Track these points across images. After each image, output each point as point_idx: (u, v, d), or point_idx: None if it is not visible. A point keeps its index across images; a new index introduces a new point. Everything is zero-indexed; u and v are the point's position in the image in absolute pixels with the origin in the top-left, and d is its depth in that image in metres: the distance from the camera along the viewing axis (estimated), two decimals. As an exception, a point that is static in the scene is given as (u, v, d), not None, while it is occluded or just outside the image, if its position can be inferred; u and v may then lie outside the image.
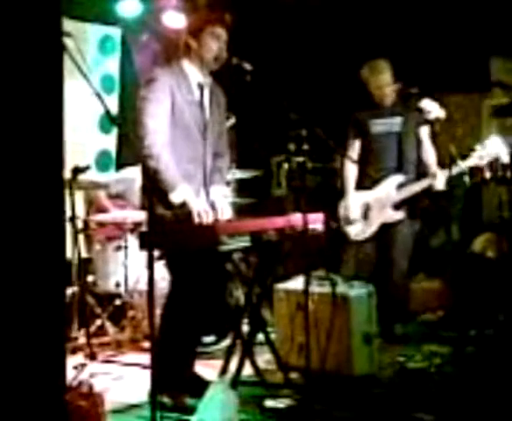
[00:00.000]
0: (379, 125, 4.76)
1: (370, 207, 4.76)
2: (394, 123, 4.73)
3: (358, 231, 4.79)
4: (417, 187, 4.66)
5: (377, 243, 4.77)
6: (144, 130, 3.36)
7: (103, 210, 5.20)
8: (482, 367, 3.88)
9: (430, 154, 4.77)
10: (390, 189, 4.70)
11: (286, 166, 6.20)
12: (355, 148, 4.87)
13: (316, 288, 3.95)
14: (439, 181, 4.59)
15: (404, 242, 4.72)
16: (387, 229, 4.72)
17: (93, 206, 5.34)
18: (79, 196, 5.22)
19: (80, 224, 4.87)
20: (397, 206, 4.69)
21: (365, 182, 4.80)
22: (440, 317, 5.20)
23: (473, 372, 3.79)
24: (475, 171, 4.86)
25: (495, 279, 4.85)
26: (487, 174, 4.89)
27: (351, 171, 4.87)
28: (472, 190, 5.21)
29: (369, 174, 4.74)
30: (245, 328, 3.75)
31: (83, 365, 4.04)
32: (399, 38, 5.93)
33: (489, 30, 5.57)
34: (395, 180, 4.70)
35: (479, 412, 3.19)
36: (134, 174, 5.02)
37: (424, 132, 4.78)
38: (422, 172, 4.76)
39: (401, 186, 4.68)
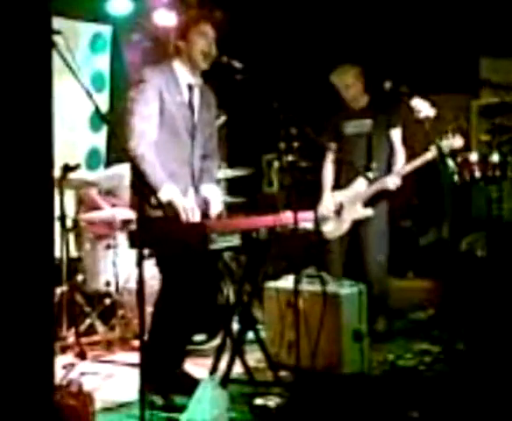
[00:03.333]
0: (350, 127, 4.92)
1: (343, 206, 4.91)
2: (365, 124, 4.87)
3: (331, 229, 4.93)
4: (379, 185, 4.74)
5: (350, 241, 4.89)
6: (130, 131, 3.36)
7: (94, 207, 5.17)
8: (472, 364, 3.89)
9: (398, 157, 4.85)
10: (360, 187, 4.82)
11: (276, 164, 6.22)
12: (332, 150, 5.02)
13: (306, 287, 3.96)
14: (390, 180, 4.70)
15: (377, 237, 4.81)
16: (358, 227, 4.84)
17: (84, 204, 5.32)
18: (70, 195, 5.20)
19: (69, 223, 4.85)
20: (367, 203, 4.80)
21: (340, 182, 4.97)
22: (431, 315, 5.21)
23: (463, 370, 3.81)
24: (465, 169, 4.88)
25: (485, 277, 4.87)
26: (477, 173, 4.90)
27: (327, 172, 5.07)
28: (462, 189, 5.23)
29: (343, 173, 4.95)
30: (236, 326, 3.75)
31: (73, 364, 4.03)
32: (390, 38, 5.95)
33: (478, 30, 5.59)
34: (365, 178, 4.80)
35: (469, 410, 3.20)
36: (124, 170, 5.00)
37: (396, 134, 4.87)
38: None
39: (369, 184, 4.77)
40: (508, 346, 3.99)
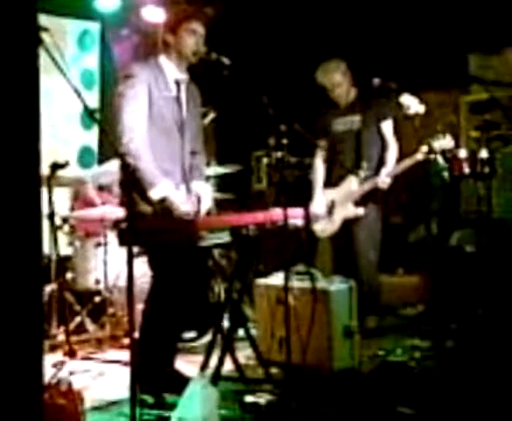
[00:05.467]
0: (339, 124, 4.88)
1: (334, 204, 4.87)
2: (354, 121, 4.82)
3: (323, 227, 4.91)
4: (370, 184, 4.71)
5: (341, 239, 4.87)
6: (121, 127, 3.34)
7: (89, 204, 5.14)
8: (462, 360, 3.91)
9: (390, 151, 4.79)
10: (351, 185, 4.79)
11: (266, 160, 6.21)
12: (322, 148, 4.98)
13: (296, 283, 3.96)
14: (381, 181, 4.65)
15: (368, 235, 4.77)
16: (350, 225, 4.80)
17: (79, 200, 5.31)
18: (64, 192, 5.19)
19: (59, 221, 4.83)
20: (358, 202, 4.76)
21: (331, 180, 4.93)
22: (420, 311, 5.23)
23: (453, 365, 3.82)
24: (454, 166, 4.89)
25: (474, 273, 4.89)
26: (466, 169, 4.92)
27: (318, 170, 5.03)
28: (451, 185, 5.24)
29: (334, 172, 4.91)
30: (226, 324, 3.75)
31: (62, 362, 4.02)
32: (379, 35, 5.95)
33: (467, 26, 5.61)
34: (356, 177, 4.77)
35: (459, 405, 3.22)
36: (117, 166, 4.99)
37: (387, 126, 4.81)
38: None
39: (361, 182, 4.74)
40: (498, 341, 4.02)
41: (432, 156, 4.44)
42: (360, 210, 4.76)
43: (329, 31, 6.08)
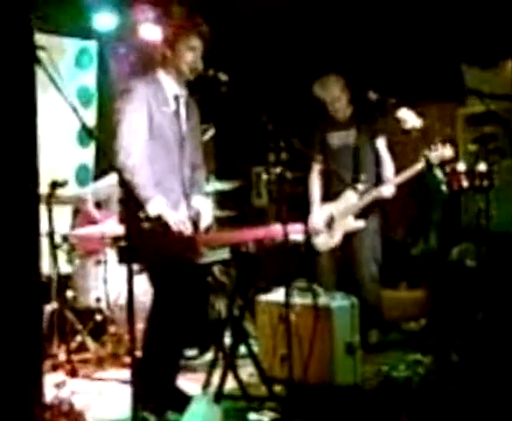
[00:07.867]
0: (335, 138, 4.90)
1: (333, 218, 4.87)
2: (350, 135, 4.85)
3: (323, 242, 4.90)
4: (370, 196, 4.73)
5: (342, 253, 4.86)
6: (119, 143, 3.35)
7: (90, 221, 5.13)
8: (465, 374, 3.89)
9: (386, 166, 4.83)
10: (350, 199, 4.79)
11: (265, 176, 6.20)
12: (318, 162, 4.98)
13: (297, 300, 3.94)
14: (386, 188, 4.68)
15: (369, 248, 4.79)
16: (350, 238, 4.80)
17: (79, 218, 5.29)
18: (63, 210, 5.17)
19: (59, 239, 4.81)
20: (359, 215, 4.77)
21: (329, 194, 4.94)
22: (423, 326, 5.20)
23: (457, 380, 3.80)
24: (453, 180, 4.89)
25: (475, 287, 4.87)
26: (465, 183, 4.92)
27: (315, 184, 5.04)
28: (451, 198, 5.24)
29: (332, 186, 4.92)
30: (228, 341, 3.73)
31: (64, 382, 3.99)
32: (376, 49, 5.97)
33: (463, 39, 5.63)
34: (354, 190, 4.78)
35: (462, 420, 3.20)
36: (113, 180, 4.99)
37: (381, 143, 4.85)
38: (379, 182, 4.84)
39: (361, 196, 4.75)
40: (500, 355, 4.00)
41: (432, 166, 4.46)
42: (361, 223, 4.76)
43: (326, 45, 6.10)
